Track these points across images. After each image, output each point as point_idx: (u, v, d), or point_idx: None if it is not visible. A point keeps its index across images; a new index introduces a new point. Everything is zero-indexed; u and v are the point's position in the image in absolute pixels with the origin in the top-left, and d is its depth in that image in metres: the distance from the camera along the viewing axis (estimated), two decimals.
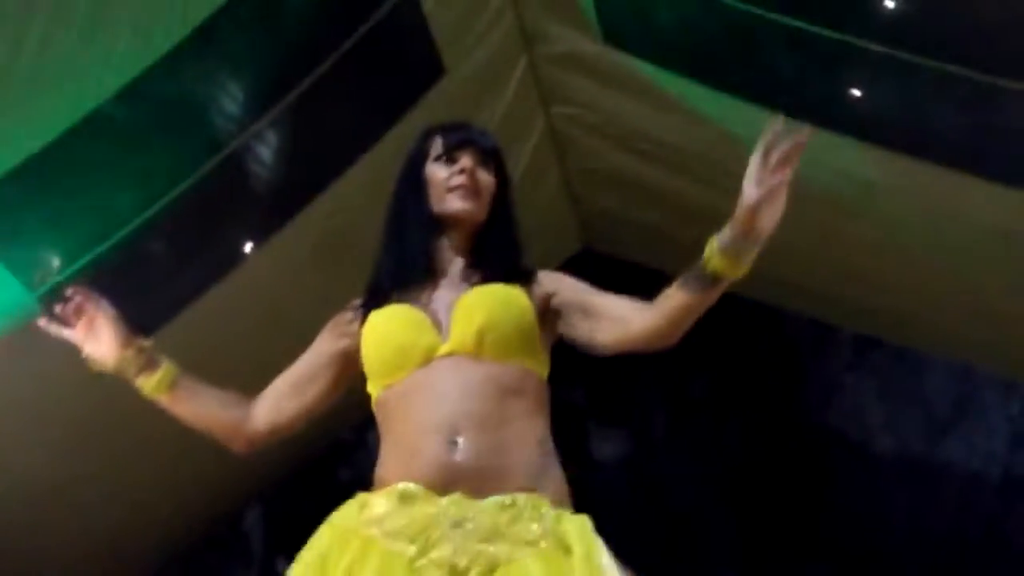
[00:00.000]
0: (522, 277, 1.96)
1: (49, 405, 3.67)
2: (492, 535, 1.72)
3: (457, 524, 1.72)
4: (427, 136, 2.07)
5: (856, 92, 3.43)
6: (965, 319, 4.61)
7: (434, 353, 1.86)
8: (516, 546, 1.72)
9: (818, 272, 4.86)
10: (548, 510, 1.78)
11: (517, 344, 1.88)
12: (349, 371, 2.01)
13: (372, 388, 1.93)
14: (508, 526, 1.73)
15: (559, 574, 1.71)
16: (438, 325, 1.89)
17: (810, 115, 3.75)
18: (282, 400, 1.99)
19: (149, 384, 1.97)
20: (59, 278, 3.39)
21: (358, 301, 2.03)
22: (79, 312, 1.94)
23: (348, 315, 2.03)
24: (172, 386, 1.96)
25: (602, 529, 1.83)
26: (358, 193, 3.87)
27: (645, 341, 1.85)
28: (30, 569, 3.98)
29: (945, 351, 5.51)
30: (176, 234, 3.63)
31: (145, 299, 3.77)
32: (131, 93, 3.19)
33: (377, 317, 1.93)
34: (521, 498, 1.77)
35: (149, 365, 1.96)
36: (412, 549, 1.71)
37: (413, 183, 2.03)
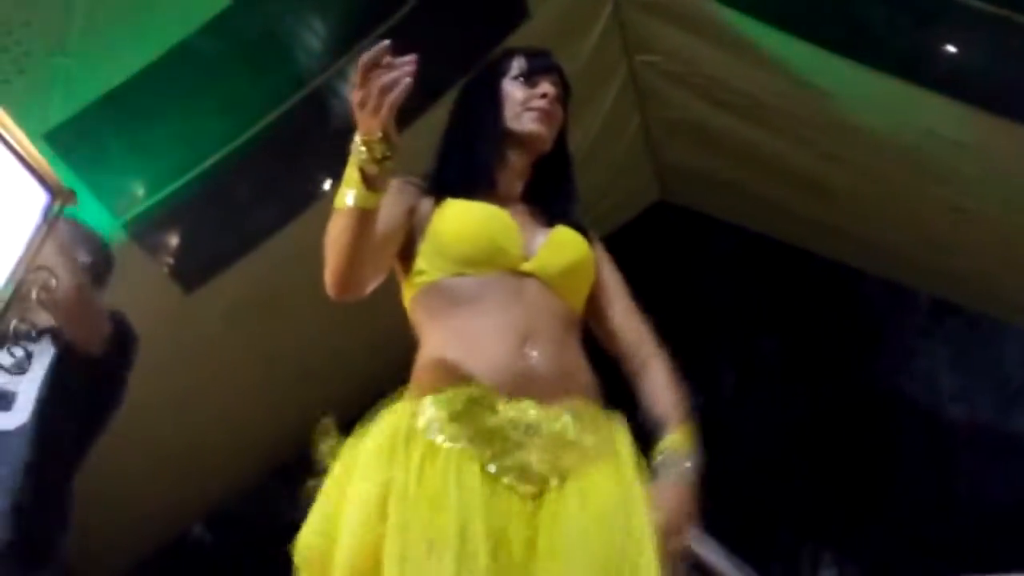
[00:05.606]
0: (586, 232, 2.00)
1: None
2: (564, 444, 1.77)
3: (531, 431, 1.76)
4: (508, 55, 2.07)
5: (948, 47, 3.34)
6: None
7: (517, 265, 1.88)
8: (585, 455, 1.78)
9: (897, 233, 4.77)
10: (602, 419, 1.86)
11: (582, 291, 1.97)
12: (401, 242, 1.91)
13: (433, 269, 1.88)
14: (577, 436, 1.79)
15: (618, 480, 1.78)
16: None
17: (899, 70, 3.70)
18: (378, 258, 1.83)
19: (372, 181, 1.66)
20: (144, 206, 3.48)
21: (414, 179, 1.97)
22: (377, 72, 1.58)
23: (412, 188, 1.95)
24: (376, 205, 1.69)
25: None
26: (438, 134, 3.88)
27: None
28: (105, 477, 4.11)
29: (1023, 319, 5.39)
30: (258, 168, 3.68)
31: (225, 230, 3.84)
32: (217, 26, 3.23)
33: (470, 206, 1.91)
34: (584, 408, 1.83)
35: (385, 162, 1.65)
36: (487, 453, 1.73)
37: (489, 95, 2.02)
